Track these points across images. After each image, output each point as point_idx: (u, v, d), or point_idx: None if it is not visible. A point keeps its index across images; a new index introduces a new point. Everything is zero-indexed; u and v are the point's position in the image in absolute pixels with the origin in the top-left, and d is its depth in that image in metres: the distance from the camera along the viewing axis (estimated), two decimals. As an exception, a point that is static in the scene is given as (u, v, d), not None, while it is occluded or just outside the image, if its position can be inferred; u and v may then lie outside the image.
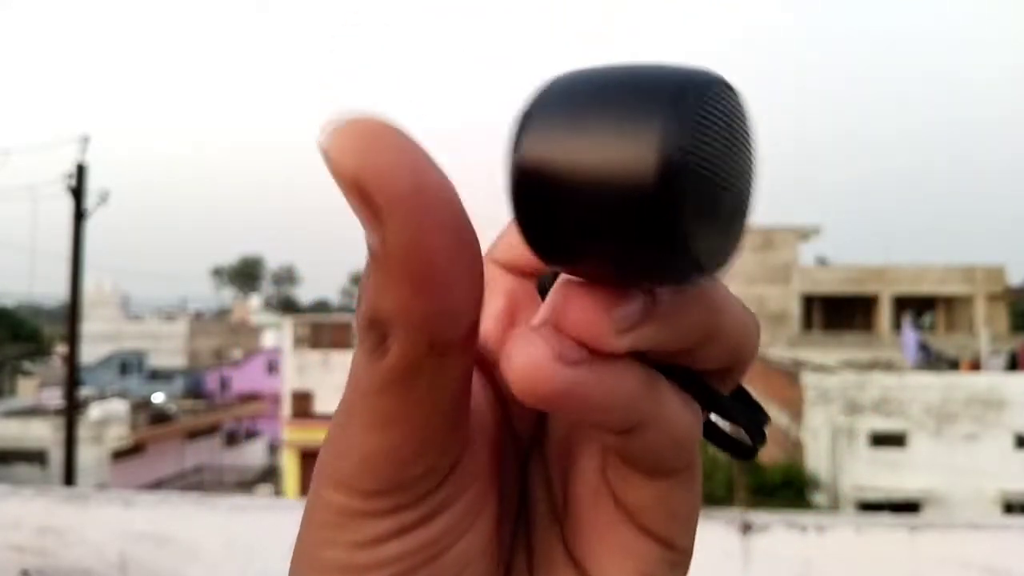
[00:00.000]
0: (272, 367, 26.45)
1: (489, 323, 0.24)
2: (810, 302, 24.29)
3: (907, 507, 12.66)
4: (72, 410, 10.38)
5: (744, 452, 0.23)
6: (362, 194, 0.16)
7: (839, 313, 24.67)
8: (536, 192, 0.17)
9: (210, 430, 22.08)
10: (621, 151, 0.16)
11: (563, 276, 0.19)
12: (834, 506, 13.03)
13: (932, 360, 17.18)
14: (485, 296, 0.19)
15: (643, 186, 0.16)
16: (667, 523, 0.21)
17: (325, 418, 17.69)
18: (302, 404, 20.27)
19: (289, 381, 20.82)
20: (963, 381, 13.96)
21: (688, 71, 0.17)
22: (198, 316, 40.25)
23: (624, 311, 0.18)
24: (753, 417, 0.23)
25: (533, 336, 0.17)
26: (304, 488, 16.88)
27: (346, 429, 0.19)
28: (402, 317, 0.17)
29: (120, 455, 17.34)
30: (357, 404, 0.19)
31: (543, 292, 0.24)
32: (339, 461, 0.20)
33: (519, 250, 0.23)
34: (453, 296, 0.17)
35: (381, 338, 0.18)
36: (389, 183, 0.16)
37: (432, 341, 0.18)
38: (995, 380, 13.90)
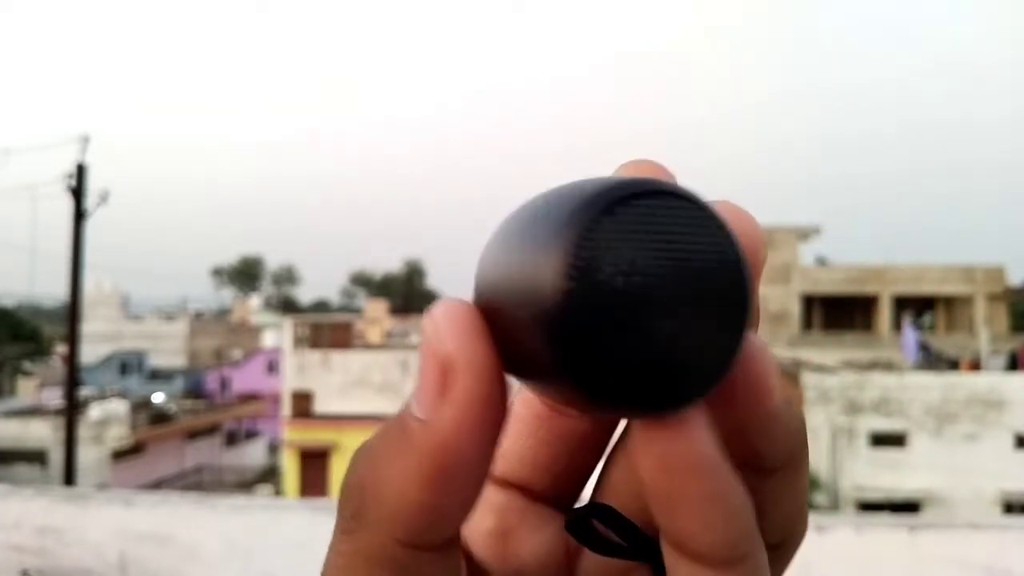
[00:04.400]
0: (272, 367, 26.46)
1: (478, 539, 0.23)
2: (810, 302, 24.30)
3: (907, 507, 12.66)
4: (72, 410, 10.38)
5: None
6: (444, 366, 0.16)
7: (839, 313, 24.67)
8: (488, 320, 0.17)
9: (210, 430, 22.10)
10: (531, 277, 0.16)
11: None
12: (834, 506, 13.03)
13: (932, 360, 17.19)
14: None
15: (545, 309, 0.15)
16: None
17: (325, 418, 17.71)
18: (302, 404, 20.26)
19: (289, 381, 20.82)
20: (963, 381, 13.97)
21: (603, 186, 0.16)
22: (198, 316, 40.23)
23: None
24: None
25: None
26: (304, 488, 16.90)
27: None
28: (397, 497, 0.17)
29: (120, 455, 17.34)
30: None
31: (570, 529, 0.22)
32: None
33: (512, 464, 0.22)
34: (460, 497, 0.17)
35: (357, 511, 0.17)
36: (478, 372, 0.16)
37: (410, 534, 0.17)
38: (995, 380, 13.91)
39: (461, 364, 0.16)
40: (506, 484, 0.23)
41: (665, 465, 0.16)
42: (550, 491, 0.23)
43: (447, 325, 0.17)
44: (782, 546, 0.20)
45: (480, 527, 0.23)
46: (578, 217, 0.15)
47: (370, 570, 0.17)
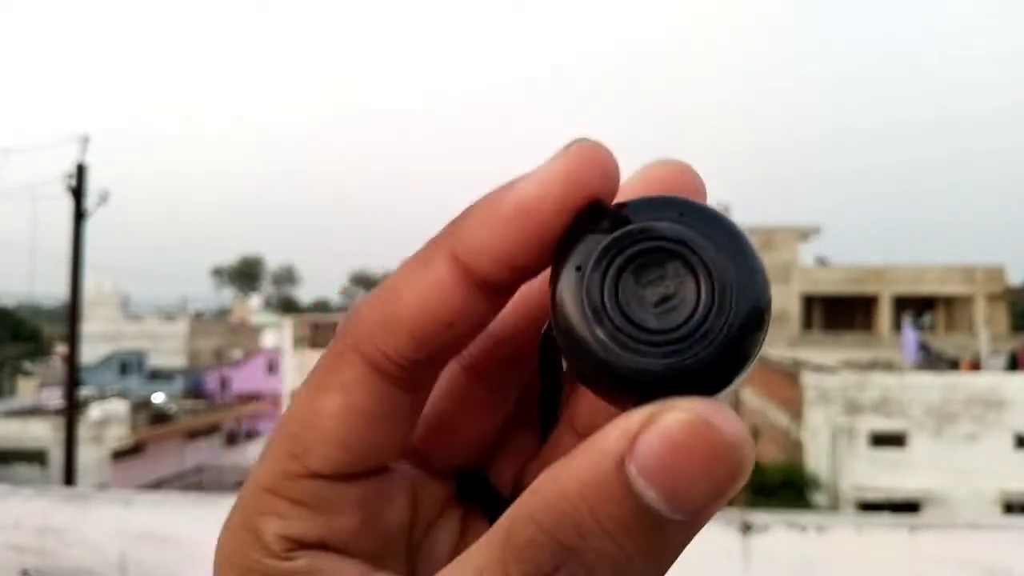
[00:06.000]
0: (272, 367, 26.46)
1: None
2: (810, 302, 24.29)
3: (907, 507, 12.65)
4: (72, 410, 10.37)
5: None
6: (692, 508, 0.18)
7: (839, 313, 24.67)
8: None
9: (210, 430, 22.07)
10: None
11: None
12: (834, 506, 13.02)
13: (932, 360, 17.18)
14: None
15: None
16: None
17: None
18: (302, 404, 20.22)
19: (289, 381, 20.84)
20: (963, 381, 13.95)
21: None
22: (198, 316, 40.20)
23: None
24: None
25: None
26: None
27: None
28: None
29: (120, 455, 17.32)
30: None
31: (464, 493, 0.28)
32: None
33: (368, 451, 0.24)
34: None
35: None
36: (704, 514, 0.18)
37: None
38: (995, 380, 13.89)
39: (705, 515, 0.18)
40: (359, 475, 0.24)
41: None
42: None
43: (740, 429, 0.18)
44: None
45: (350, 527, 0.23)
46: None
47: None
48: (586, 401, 0.25)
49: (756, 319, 0.20)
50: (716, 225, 0.21)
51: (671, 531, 0.17)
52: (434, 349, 0.22)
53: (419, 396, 0.24)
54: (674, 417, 0.17)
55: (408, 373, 0.22)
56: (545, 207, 0.20)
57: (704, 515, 0.17)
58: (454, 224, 0.21)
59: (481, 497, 0.27)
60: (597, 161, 0.20)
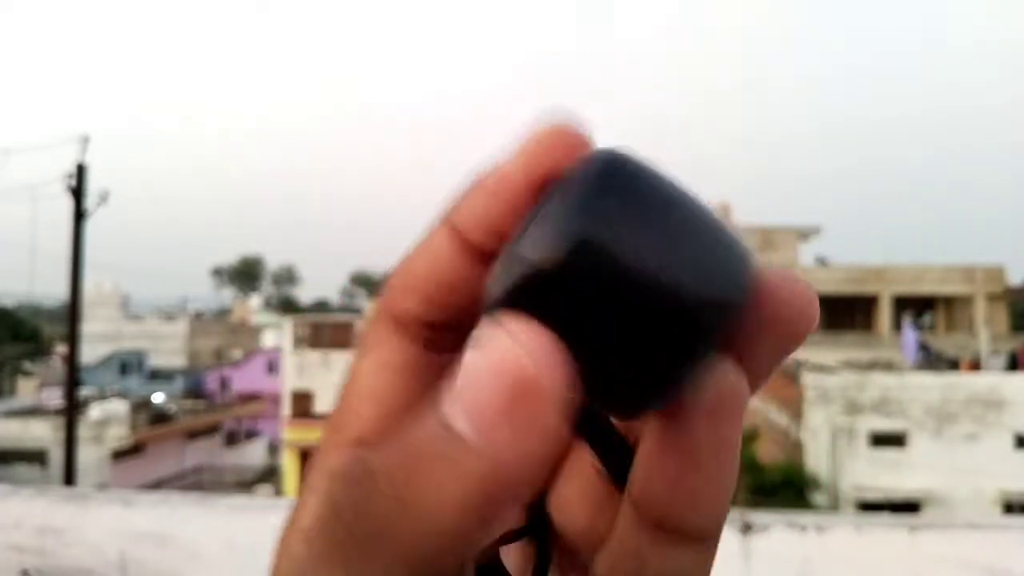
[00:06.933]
0: (272, 367, 26.46)
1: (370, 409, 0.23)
2: (810, 302, 24.26)
3: (907, 507, 12.65)
4: (72, 410, 10.37)
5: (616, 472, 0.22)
6: (520, 387, 0.16)
7: (839, 313, 24.66)
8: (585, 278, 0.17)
9: (210, 430, 22.09)
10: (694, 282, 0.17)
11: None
12: (834, 506, 13.03)
13: (932, 360, 17.18)
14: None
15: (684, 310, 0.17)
16: None
17: (325, 418, 17.78)
18: (302, 404, 20.27)
19: (289, 381, 20.84)
20: (963, 381, 13.96)
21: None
22: (198, 316, 40.23)
23: None
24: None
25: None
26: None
27: None
28: (432, 520, 0.16)
29: (120, 455, 17.35)
30: None
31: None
32: None
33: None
34: (494, 528, 0.17)
35: (382, 532, 0.16)
36: (558, 404, 0.16)
37: (428, 561, 0.17)
38: (995, 380, 13.90)
39: (545, 392, 0.16)
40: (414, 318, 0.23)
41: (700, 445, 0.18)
42: None
43: (535, 345, 0.16)
44: None
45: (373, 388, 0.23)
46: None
47: None
48: (643, 465, 0.20)
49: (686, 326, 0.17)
50: (634, 215, 0.18)
51: (463, 448, 0.16)
52: (445, 310, 0.22)
53: (447, 359, 0.22)
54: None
55: (430, 332, 0.22)
56: (515, 180, 0.21)
57: (492, 442, 0.15)
58: (455, 200, 0.23)
59: (538, 531, 0.23)
60: (556, 137, 0.21)
